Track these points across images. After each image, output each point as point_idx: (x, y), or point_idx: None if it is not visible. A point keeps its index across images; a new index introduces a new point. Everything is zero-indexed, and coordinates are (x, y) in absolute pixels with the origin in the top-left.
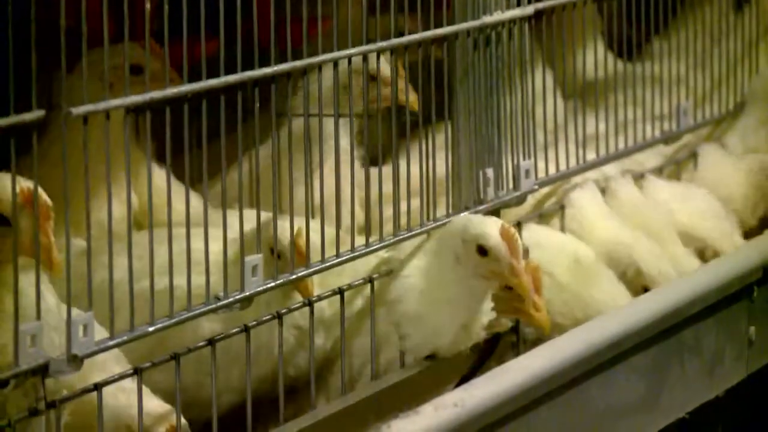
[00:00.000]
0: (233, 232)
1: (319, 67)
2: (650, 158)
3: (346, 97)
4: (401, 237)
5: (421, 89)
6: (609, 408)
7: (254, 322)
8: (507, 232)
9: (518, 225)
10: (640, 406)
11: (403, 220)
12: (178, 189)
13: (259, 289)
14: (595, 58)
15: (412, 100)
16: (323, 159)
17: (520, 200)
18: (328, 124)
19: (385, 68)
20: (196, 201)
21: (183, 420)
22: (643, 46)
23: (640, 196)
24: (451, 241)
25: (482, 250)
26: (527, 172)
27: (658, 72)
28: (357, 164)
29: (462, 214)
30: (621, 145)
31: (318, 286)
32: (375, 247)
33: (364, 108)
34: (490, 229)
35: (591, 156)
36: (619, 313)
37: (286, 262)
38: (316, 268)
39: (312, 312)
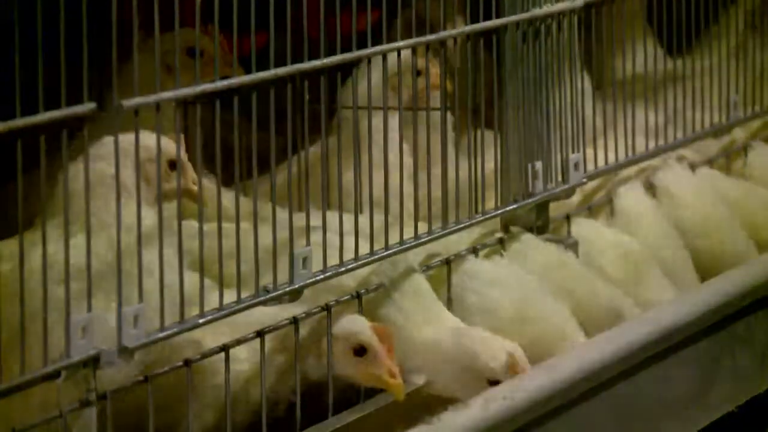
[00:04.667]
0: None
1: (369, 59)
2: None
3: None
4: (450, 230)
5: (470, 82)
6: (659, 401)
7: (303, 314)
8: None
9: (567, 218)
10: (690, 400)
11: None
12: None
13: (308, 281)
14: (644, 52)
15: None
16: (372, 152)
17: (569, 193)
18: (378, 117)
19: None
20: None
21: None
22: (693, 39)
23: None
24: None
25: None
26: (576, 165)
27: (707, 65)
28: (406, 157)
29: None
30: (670, 138)
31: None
32: (425, 239)
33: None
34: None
35: (640, 148)
36: (670, 306)
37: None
38: (366, 260)
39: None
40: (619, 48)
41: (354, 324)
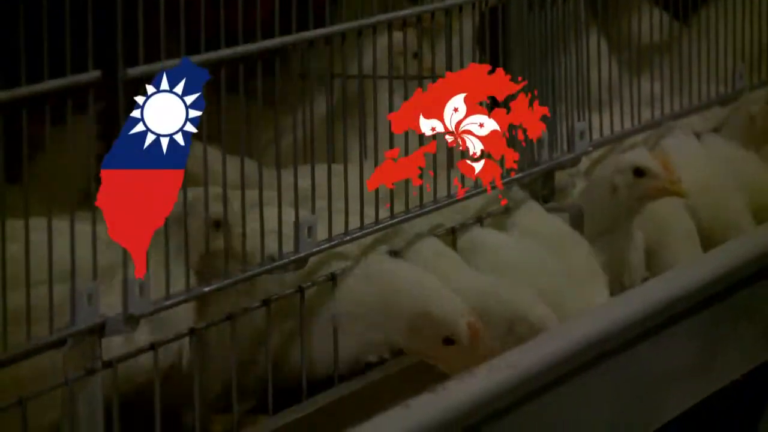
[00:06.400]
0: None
1: (374, 27)
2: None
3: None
4: (455, 198)
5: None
6: (662, 370)
7: (310, 283)
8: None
9: (574, 186)
10: (693, 369)
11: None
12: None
13: (313, 250)
14: (650, 20)
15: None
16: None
17: (575, 162)
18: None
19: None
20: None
21: None
22: (699, 7)
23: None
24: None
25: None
26: (582, 133)
27: (714, 33)
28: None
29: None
30: (676, 106)
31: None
32: (429, 208)
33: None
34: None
35: (646, 117)
36: (672, 275)
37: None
38: (371, 229)
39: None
40: (625, 15)
41: (451, 314)
